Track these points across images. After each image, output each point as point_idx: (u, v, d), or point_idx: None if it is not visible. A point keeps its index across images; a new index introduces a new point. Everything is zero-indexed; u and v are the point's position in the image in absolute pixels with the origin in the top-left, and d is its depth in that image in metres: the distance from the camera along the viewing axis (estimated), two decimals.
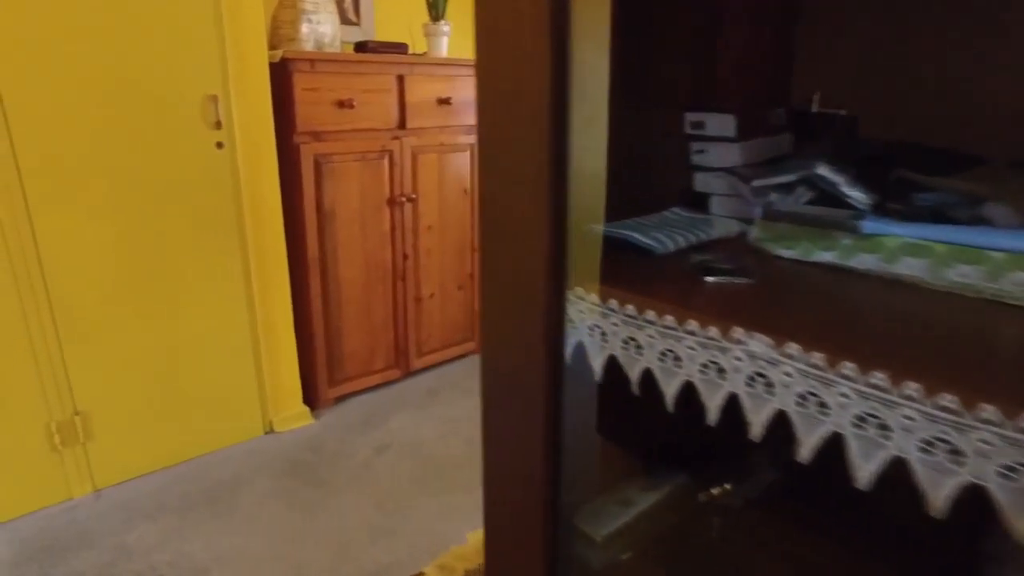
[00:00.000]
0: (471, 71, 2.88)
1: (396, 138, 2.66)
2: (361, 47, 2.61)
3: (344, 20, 2.90)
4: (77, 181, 1.92)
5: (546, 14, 0.60)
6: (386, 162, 2.65)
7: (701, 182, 0.87)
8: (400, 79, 2.62)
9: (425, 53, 2.87)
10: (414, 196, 2.76)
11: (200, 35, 2.05)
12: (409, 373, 3.04)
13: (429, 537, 1.97)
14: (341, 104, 2.44)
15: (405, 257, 2.83)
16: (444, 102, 2.78)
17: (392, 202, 2.71)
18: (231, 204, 2.23)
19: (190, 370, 2.28)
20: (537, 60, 0.62)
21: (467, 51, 3.52)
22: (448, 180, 2.92)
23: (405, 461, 2.37)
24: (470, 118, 2.93)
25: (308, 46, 2.44)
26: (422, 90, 2.70)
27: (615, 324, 0.63)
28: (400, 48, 2.68)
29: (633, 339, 0.61)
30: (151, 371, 2.20)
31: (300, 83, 2.32)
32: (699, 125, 0.85)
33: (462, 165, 2.96)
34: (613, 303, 0.63)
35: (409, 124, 2.68)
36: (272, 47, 2.36)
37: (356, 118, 2.50)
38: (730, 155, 0.83)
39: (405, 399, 2.85)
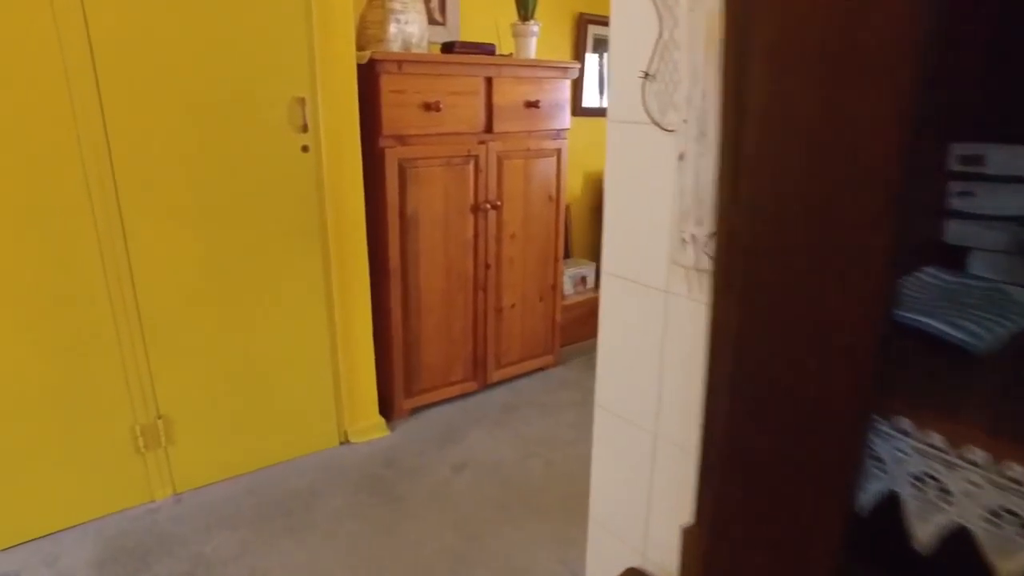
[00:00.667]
0: (560, 73, 2.75)
1: (482, 142, 2.56)
2: (448, 48, 2.52)
3: (430, 20, 2.82)
4: (166, 187, 1.90)
5: None
6: (471, 167, 2.55)
7: (958, 233, 0.67)
8: (488, 81, 2.52)
9: (511, 54, 2.76)
10: (499, 203, 2.65)
11: (290, 36, 2.00)
12: (486, 386, 2.94)
13: (510, 569, 1.84)
14: (427, 107, 2.35)
15: (487, 266, 2.72)
16: (532, 105, 2.66)
17: (476, 209, 2.61)
18: (314, 209, 2.17)
19: (268, 377, 2.24)
20: None
21: (553, 52, 3.40)
22: (533, 187, 2.79)
23: (484, 482, 2.25)
24: (558, 122, 2.80)
25: (395, 47, 2.37)
26: (510, 93, 2.59)
27: (964, 477, 0.40)
28: (488, 49, 2.58)
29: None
30: (231, 377, 2.17)
31: (387, 85, 2.25)
32: (974, 160, 0.65)
33: (548, 171, 2.83)
34: (935, 437, 0.41)
35: (496, 128, 2.58)
36: (359, 48, 2.30)
37: (442, 121, 2.41)
38: (1018, 201, 0.63)
39: (482, 414, 2.74)
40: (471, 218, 2.61)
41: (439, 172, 2.46)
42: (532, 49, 2.77)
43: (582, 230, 3.82)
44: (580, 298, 3.49)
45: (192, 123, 1.90)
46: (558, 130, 2.83)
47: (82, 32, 1.70)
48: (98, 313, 1.88)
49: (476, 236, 2.65)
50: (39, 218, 1.74)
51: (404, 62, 2.27)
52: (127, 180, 1.84)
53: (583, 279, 3.60)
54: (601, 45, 3.62)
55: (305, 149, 2.10)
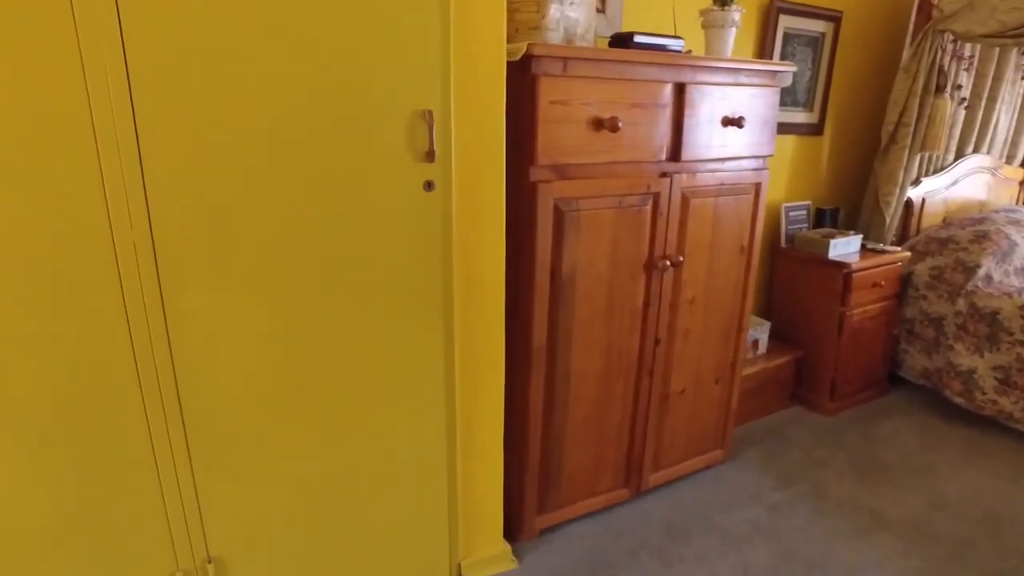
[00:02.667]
0: (768, 79, 1.97)
1: (665, 175, 1.83)
2: (621, 41, 1.80)
3: None
4: (223, 240, 1.27)
5: None
6: (649, 209, 1.82)
7: None
8: (679, 89, 1.79)
9: (689, 52, 2.01)
10: (680, 259, 1.91)
11: (413, 21, 1.33)
12: (639, 493, 2.20)
13: None
14: (599, 124, 1.64)
15: (657, 342, 1.98)
16: (732, 123, 1.90)
17: (650, 266, 1.88)
18: (436, 270, 1.50)
19: (360, 500, 1.59)
20: None
21: (750, 50, 2.62)
22: (722, 234, 2.03)
23: None
24: (762, 145, 2.02)
25: (556, 38, 1.67)
26: (705, 106, 1.84)
27: None
28: (675, 45, 1.84)
29: None
30: (308, 503, 1.53)
31: (546, 92, 1.55)
32: None
33: (742, 213, 2.06)
34: None
35: (684, 155, 1.83)
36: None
37: (616, 145, 1.69)
38: None
39: (639, 540, 2.00)
40: (643, 278, 1.88)
41: (608, 217, 1.74)
42: (729, 45, 2.01)
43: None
44: (751, 368, 2.69)
45: (266, 149, 1.26)
46: (761, 157, 2.06)
47: (112, 18, 1.09)
48: (128, 419, 1.28)
49: (647, 303, 1.91)
50: (44, 284, 1.15)
51: (572, 60, 1.57)
52: (165, 228, 1.23)
53: (754, 343, 2.80)
54: (793, 42, 2.81)
55: (429, 186, 1.43)
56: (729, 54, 1.99)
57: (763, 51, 2.72)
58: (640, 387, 2.01)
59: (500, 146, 1.52)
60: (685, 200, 1.90)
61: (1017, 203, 3.80)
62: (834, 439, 2.67)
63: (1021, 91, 3.45)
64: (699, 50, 2.16)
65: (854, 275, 2.70)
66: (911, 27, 2.91)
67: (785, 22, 2.73)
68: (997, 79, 3.27)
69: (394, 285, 1.45)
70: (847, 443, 2.64)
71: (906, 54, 2.87)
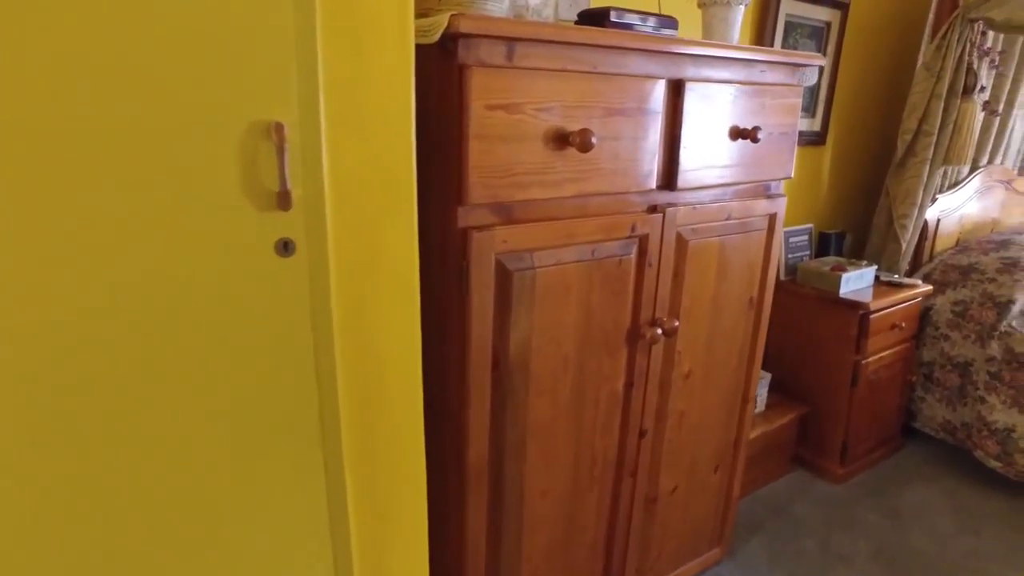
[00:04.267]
0: (788, 75, 1.46)
1: (655, 209, 1.30)
2: (593, 19, 1.26)
3: None
4: None
5: None
6: (632, 259, 1.28)
7: None
8: (676, 88, 1.25)
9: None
10: (675, 324, 1.37)
11: None
12: None
13: None
14: (563, 140, 1.10)
15: (642, 434, 1.45)
16: (744, 135, 1.37)
17: (635, 337, 1.34)
18: (308, 378, 0.93)
19: None
20: None
21: (747, 41, 2.12)
22: (728, 285, 1.51)
23: None
24: (780, 166, 1.51)
25: (497, 10, 1.12)
26: (707, 112, 1.31)
27: None
28: (668, 26, 1.31)
29: None
30: None
31: (482, 92, 1.00)
32: None
33: (752, 255, 1.55)
34: None
35: (680, 181, 1.30)
36: (417, 14, 1.05)
37: (588, 170, 1.15)
38: None
39: None
40: (624, 354, 1.34)
41: (576, 274, 1.20)
42: (736, 29, 1.49)
43: None
44: (750, 433, 2.18)
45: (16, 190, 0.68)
46: (778, 180, 1.55)
47: None
48: None
49: (630, 385, 1.38)
50: None
51: (522, 42, 1.02)
52: None
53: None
54: (794, 32, 2.31)
55: (285, 248, 0.86)
56: (736, 41, 1.47)
57: (761, 42, 2.21)
58: (620, 494, 1.48)
59: (408, 177, 0.96)
60: (682, 243, 1.37)
61: None
62: (851, 518, 2.18)
63: None
64: (694, 37, 1.63)
65: (871, 317, 2.22)
66: (931, 16, 2.44)
67: (787, 7, 2.23)
68: (1017, 80, 2.83)
69: (236, 413, 0.88)
70: (868, 524, 2.16)
71: (928, 48, 2.40)
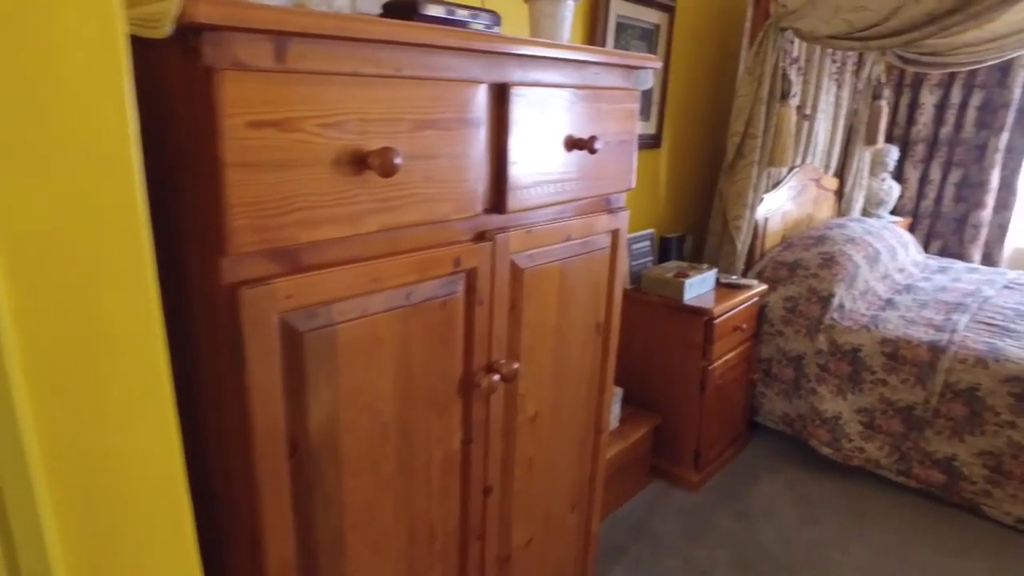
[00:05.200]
0: (625, 78, 1.34)
1: (483, 237, 1.10)
2: (399, 11, 1.04)
3: None
4: None
5: None
6: (460, 299, 1.08)
7: None
8: (500, 94, 1.07)
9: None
10: (515, 366, 1.19)
11: None
12: None
13: None
14: (360, 163, 0.87)
15: (487, 491, 1.27)
16: (580, 146, 1.23)
17: (468, 386, 1.14)
18: None
19: None
20: None
21: (578, 42, 2.00)
22: (573, 312, 1.37)
23: None
24: (620, 178, 1.39)
25: None
26: (539, 121, 1.15)
27: None
28: (489, 22, 1.13)
29: None
30: None
31: (241, 103, 0.74)
32: None
33: (597, 276, 1.41)
34: None
35: (511, 203, 1.12)
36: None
37: (395, 197, 0.93)
38: None
39: None
40: (457, 408, 1.14)
41: (388, 326, 0.97)
42: (567, 28, 1.34)
43: None
44: (606, 454, 2.08)
45: None
46: (618, 195, 1.42)
47: None
48: None
49: (468, 440, 1.18)
50: None
51: (298, 37, 0.78)
52: None
53: None
54: (626, 34, 2.24)
55: None
56: (567, 41, 1.32)
57: (593, 44, 2.12)
58: (468, 561, 1.28)
59: (135, 227, 0.68)
60: (517, 273, 1.19)
61: (836, 215, 3.66)
62: (708, 527, 2.16)
63: (833, 99, 3.26)
64: (520, 35, 1.47)
65: (715, 323, 2.21)
66: (747, 24, 2.49)
67: (618, 8, 2.15)
68: (819, 87, 3.00)
69: None
70: (723, 531, 2.14)
71: (748, 54, 2.44)
